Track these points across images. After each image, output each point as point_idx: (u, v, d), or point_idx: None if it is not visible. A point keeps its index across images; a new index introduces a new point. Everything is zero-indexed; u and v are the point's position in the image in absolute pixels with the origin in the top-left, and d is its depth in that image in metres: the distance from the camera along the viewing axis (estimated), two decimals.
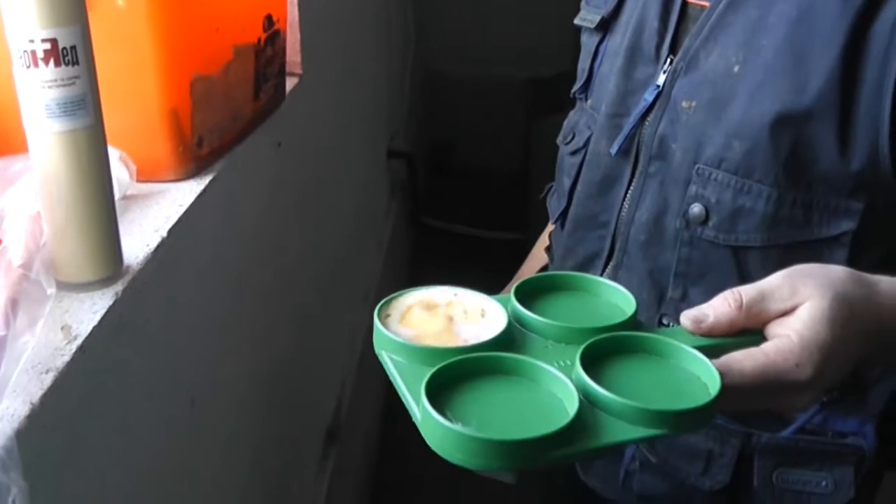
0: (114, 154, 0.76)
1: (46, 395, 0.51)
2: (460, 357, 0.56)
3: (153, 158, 0.77)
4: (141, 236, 0.69)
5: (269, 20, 0.92)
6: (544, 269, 1.09)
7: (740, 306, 0.60)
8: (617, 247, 0.88)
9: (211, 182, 0.80)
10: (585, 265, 0.92)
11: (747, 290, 0.61)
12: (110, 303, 0.60)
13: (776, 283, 0.60)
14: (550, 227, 1.04)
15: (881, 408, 0.85)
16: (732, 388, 0.55)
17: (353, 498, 1.83)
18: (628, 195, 0.87)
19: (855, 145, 0.73)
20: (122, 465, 0.65)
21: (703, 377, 0.57)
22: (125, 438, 0.65)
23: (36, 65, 0.54)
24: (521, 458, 0.50)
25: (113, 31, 0.70)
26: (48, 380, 0.52)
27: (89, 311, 0.59)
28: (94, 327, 0.57)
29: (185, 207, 0.75)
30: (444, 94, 3.60)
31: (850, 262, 0.75)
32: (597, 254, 0.91)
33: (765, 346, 0.58)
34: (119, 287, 0.61)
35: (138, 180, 0.77)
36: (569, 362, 0.58)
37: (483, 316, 0.63)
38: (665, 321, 0.84)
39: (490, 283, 1.29)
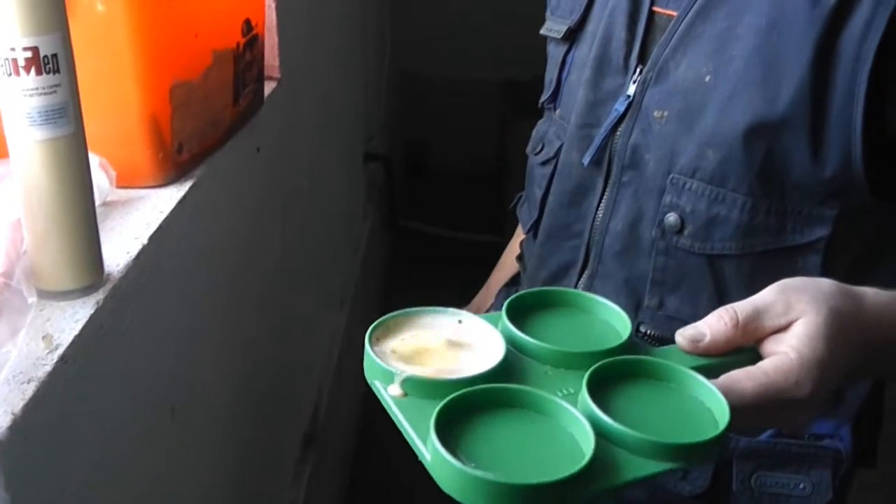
0: (94, 160, 0.75)
1: (28, 406, 0.50)
2: (467, 390, 0.54)
3: (133, 164, 0.77)
4: (121, 243, 0.69)
5: (247, 25, 0.91)
6: (515, 277, 1.09)
7: (736, 324, 0.60)
8: (591, 256, 0.88)
9: (191, 188, 0.80)
10: (559, 275, 0.92)
11: (742, 307, 0.60)
12: (92, 311, 0.59)
13: (770, 299, 0.60)
14: (521, 236, 1.04)
15: (856, 411, 0.86)
16: (734, 410, 0.55)
17: (331, 501, 1.83)
18: (601, 205, 0.87)
19: (827, 153, 0.74)
20: (104, 475, 0.64)
21: (707, 403, 0.56)
22: (106, 448, 0.64)
23: (17, 73, 0.53)
24: (541, 500, 0.49)
25: (92, 37, 0.70)
26: (30, 390, 0.51)
27: (71, 319, 0.58)
28: (76, 336, 0.57)
29: (166, 214, 0.74)
30: (419, 96, 3.60)
31: (824, 268, 0.76)
32: (571, 263, 0.91)
33: (763, 365, 0.58)
34: (100, 295, 0.61)
35: (118, 186, 0.76)
36: (571, 390, 0.57)
37: (479, 341, 0.60)
38: (642, 329, 0.85)
39: (467, 286, 1.30)
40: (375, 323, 0.61)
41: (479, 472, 0.48)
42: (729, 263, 0.80)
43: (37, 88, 0.54)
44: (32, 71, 0.54)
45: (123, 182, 0.77)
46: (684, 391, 0.58)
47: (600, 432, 0.52)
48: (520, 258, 1.06)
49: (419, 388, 0.55)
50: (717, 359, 0.61)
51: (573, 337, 0.63)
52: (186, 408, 0.82)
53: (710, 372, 0.58)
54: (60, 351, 0.55)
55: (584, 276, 0.90)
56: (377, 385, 0.56)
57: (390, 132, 3.03)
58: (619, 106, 0.84)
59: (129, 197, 0.77)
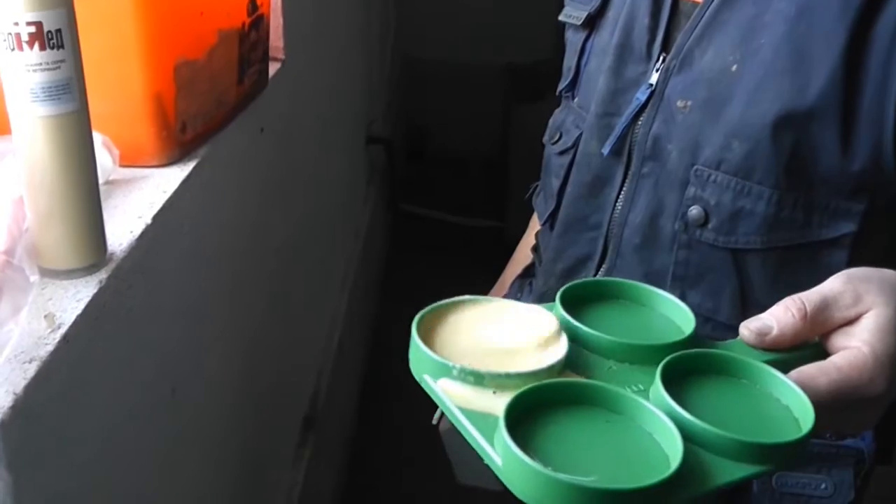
0: (97, 139, 0.75)
1: (30, 386, 0.50)
2: (535, 385, 0.49)
3: (137, 143, 0.76)
4: (125, 222, 0.68)
5: (253, 4, 0.91)
6: (529, 269, 1.07)
7: (805, 315, 0.57)
8: (610, 249, 0.87)
9: (195, 168, 0.79)
10: (576, 268, 0.90)
11: (810, 298, 0.57)
12: (94, 291, 0.59)
13: (838, 290, 0.57)
14: (536, 226, 1.02)
15: None
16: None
17: (330, 484, 1.83)
18: (621, 196, 0.85)
19: (857, 145, 0.72)
20: (105, 455, 0.64)
21: (784, 400, 0.53)
22: (107, 428, 0.64)
23: (20, 48, 0.53)
24: None
25: (97, 15, 0.69)
26: (32, 370, 0.51)
27: (73, 299, 0.58)
28: (79, 316, 0.56)
29: (169, 193, 0.74)
30: (421, 80, 3.59)
31: (850, 264, 0.74)
32: (589, 256, 0.89)
33: (836, 360, 0.55)
34: (103, 275, 0.60)
35: (121, 165, 0.76)
36: (640, 387, 0.53)
37: (541, 334, 0.55)
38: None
39: (468, 271, 1.30)
40: (421, 313, 0.55)
41: (567, 477, 0.43)
42: (753, 258, 0.78)
43: (40, 64, 0.53)
44: (36, 46, 0.53)
45: (127, 161, 0.76)
46: (760, 388, 0.54)
47: (682, 432, 0.47)
48: (535, 249, 1.04)
49: (481, 380, 0.50)
50: (783, 354, 0.57)
51: (634, 330, 0.59)
52: (187, 388, 0.82)
53: (776, 368, 0.55)
54: (63, 330, 0.54)
55: (602, 269, 0.88)
56: (427, 379, 0.52)
57: (392, 116, 3.02)
58: (641, 95, 0.82)
59: (132, 176, 0.76)
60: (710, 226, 0.78)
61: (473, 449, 0.48)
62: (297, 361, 1.48)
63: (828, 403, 0.53)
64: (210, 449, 0.95)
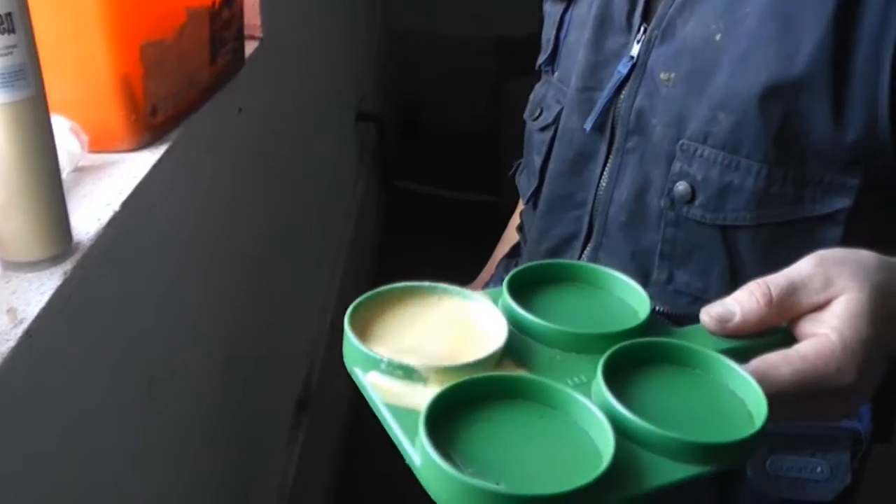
0: (64, 125, 0.73)
1: None
2: (462, 380, 0.46)
3: (105, 128, 0.74)
4: (92, 210, 0.66)
5: None
6: (516, 248, 1.04)
7: (770, 301, 0.53)
8: (595, 228, 0.84)
9: (167, 151, 0.77)
10: (562, 247, 0.88)
11: (776, 282, 0.53)
12: (59, 282, 0.57)
13: (807, 273, 0.54)
14: (522, 205, 0.99)
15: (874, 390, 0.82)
16: (769, 400, 0.48)
17: (325, 466, 1.82)
18: (605, 173, 0.82)
19: (850, 115, 0.70)
20: (78, 451, 0.62)
21: (740, 393, 0.50)
22: (78, 422, 0.62)
23: None
24: None
25: None
26: None
27: (37, 291, 0.56)
28: (42, 309, 0.54)
29: (140, 178, 0.72)
30: (412, 55, 3.55)
31: (845, 241, 0.71)
32: (574, 235, 0.86)
33: (802, 348, 0.52)
34: (68, 266, 0.59)
35: (91, 151, 0.74)
36: (584, 378, 0.49)
37: (476, 321, 0.53)
38: (651, 305, 0.80)
39: (463, 246, 1.28)
40: (356, 302, 0.52)
41: (478, 482, 0.40)
42: (743, 235, 0.75)
43: None
44: None
45: (96, 146, 0.74)
46: (714, 379, 0.51)
47: (620, 429, 0.44)
48: (520, 228, 1.01)
49: (406, 376, 0.48)
50: (747, 341, 0.54)
51: (585, 316, 0.55)
52: (165, 378, 0.80)
53: (739, 356, 0.52)
54: (25, 325, 0.53)
55: (587, 248, 0.85)
56: (357, 373, 0.49)
57: (383, 92, 2.98)
58: (623, 68, 0.79)
59: (102, 162, 0.74)
60: (697, 202, 0.76)
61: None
62: (287, 345, 1.46)
63: (791, 394, 0.50)
64: (193, 437, 0.93)
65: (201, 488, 0.97)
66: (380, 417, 0.46)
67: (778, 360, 0.51)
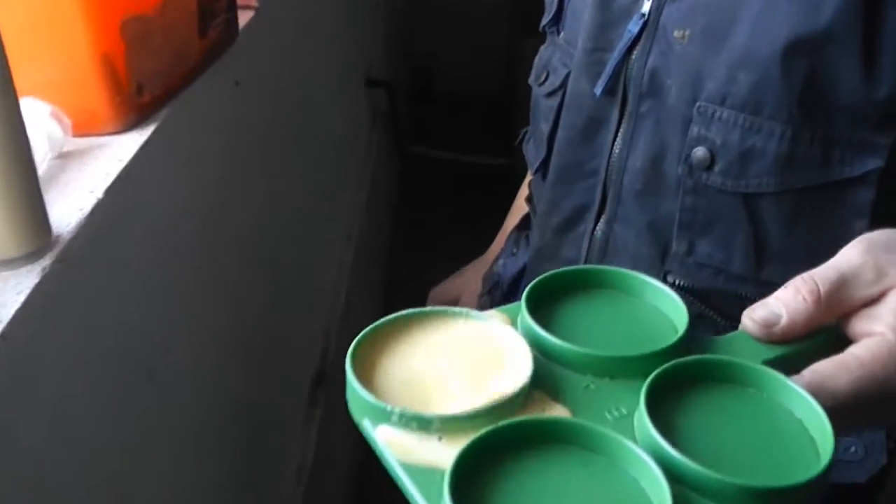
0: (45, 109, 0.69)
1: None
2: (489, 429, 0.40)
3: (88, 110, 0.70)
4: (74, 199, 0.62)
5: None
6: (526, 219, 0.99)
7: (818, 299, 0.48)
8: (609, 198, 0.79)
9: (155, 131, 0.73)
10: (574, 220, 0.83)
11: (823, 276, 0.48)
12: (37, 280, 0.53)
13: (856, 263, 0.49)
14: (530, 175, 0.94)
15: None
16: (827, 413, 0.44)
17: (346, 442, 1.80)
18: (618, 139, 0.77)
19: (882, 67, 0.64)
20: (73, 450, 0.59)
21: (798, 414, 0.44)
22: (72, 422, 0.59)
23: None
24: None
25: None
26: None
27: (13, 291, 0.52)
28: (18, 310, 0.51)
29: (126, 162, 0.68)
30: (422, 17, 3.48)
31: (876, 205, 0.67)
32: (586, 206, 0.81)
33: (857, 352, 0.47)
34: (47, 261, 0.55)
35: (75, 135, 0.70)
36: (624, 411, 0.44)
37: (495, 347, 0.47)
38: (670, 278, 0.76)
39: (479, 211, 1.24)
40: (357, 339, 0.46)
41: None
42: (767, 202, 0.70)
43: None
44: None
45: (80, 130, 0.70)
46: (769, 399, 0.45)
47: (673, 474, 0.39)
48: (529, 200, 0.96)
49: (422, 428, 0.42)
50: (796, 345, 0.48)
51: (616, 332, 0.50)
52: (165, 369, 0.77)
53: (788, 363, 0.47)
54: (0, 328, 0.49)
55: (601, 220, 0.81)
56: (366, 426, 0.43)
57: (392, 56, 2.92)
58: (633, 26, 0.74)
59: (87, 146, 0.70)
60: (716, 168, 0.71)
61: None
62: (300, 322, 1.43)
63: (850, 404, 0.45)
64: (200, 426, 0.90)
65: (211, 477, 0.95)
66: (395, 478, 0.41)
67: (833, 370, 0.46)
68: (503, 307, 0.51)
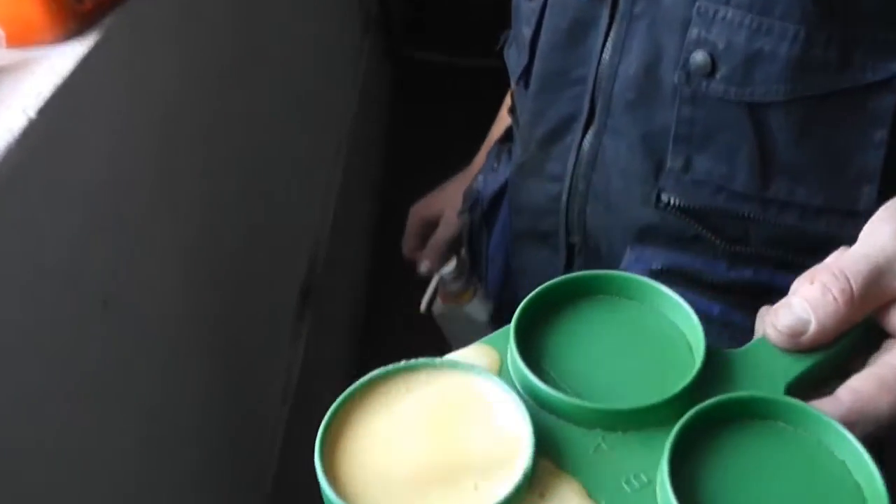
0: None
1: None
2: None
3: (23, 18, 0.65)
4: (4, 119, 0.57)
5: None
6: (510, 131, 0.92)
7: (850, 298, 0.41)
8: (598, 108, 0.72)
9: (99, 42, 0.67)
10: (559, 131, 0.76)
11: (854, 269, 0.42)
12: None
13: (891, 250, 0.42)
14: (514, 84, 0.87)
15: None
16: (871, 436, 0.39)
17: (340, 358, 1.78)
18: (608, 44, 0.70)
19: None
20: (19, 411, 0.56)
21: (841, 456, 0.38)
22: (16, 378, 0.56)
23: None
24: None
25: None
26: None
27: None
28: None
29: (64, 77, 0.62)
30: None
31: None
32: (573, 117, 0.74)
33: (893, 359, 0.41)
34: None
35: (9, 46, 0.65)
36: (644, 478, 0.37)
37: (484, 408, 0.39)
38: (664, 197, 0.69)
39: (477, 119, 1.18)
40: (328, 416, 0.39)
41: None
42: (775, 112, 0.63)
43: None
44: None
45: (15, 41, 0.65)
46: (806, 439, 0.39)
47: None
48: (512, 110, 0.90)
49: None
50: (823, 353, 0.42)
51: (623, 363, 0.43)
52: (123, 293, 0.73)
53: (815, 372, 0.41)
54: None
55: (589, 132, 0.74)
56: None
57: None
58: None
59: (24, 58, 0.65)
60: (718, 75, 0.63)
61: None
62: (284, 236, 1.39)
63: (892, 423, 0.40)
64: (177, 347, 0.87)
65: (189, 400, 0.92)
66: None
67: (873, 390, 0.40)
68: (488, 339, 0.44)
